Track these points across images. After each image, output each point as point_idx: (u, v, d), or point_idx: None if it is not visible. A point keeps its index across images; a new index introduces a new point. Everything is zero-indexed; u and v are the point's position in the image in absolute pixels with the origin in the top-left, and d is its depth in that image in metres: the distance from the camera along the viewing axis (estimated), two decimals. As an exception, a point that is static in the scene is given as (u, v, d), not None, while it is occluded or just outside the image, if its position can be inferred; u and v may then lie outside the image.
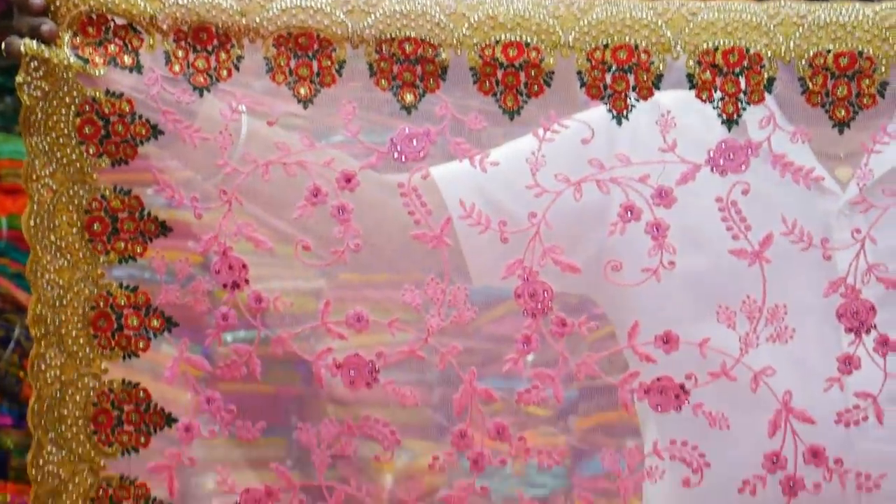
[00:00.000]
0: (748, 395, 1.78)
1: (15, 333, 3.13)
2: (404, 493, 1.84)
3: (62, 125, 1.76)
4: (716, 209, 1.79)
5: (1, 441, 3.14)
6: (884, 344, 1.79)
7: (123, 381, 1.79)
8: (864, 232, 1.80)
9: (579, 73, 1.77)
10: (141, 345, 1.79)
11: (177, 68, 1.77)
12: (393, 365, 1.80)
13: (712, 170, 1.79)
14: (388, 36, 1.76)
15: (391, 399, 1.80)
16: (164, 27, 1.76)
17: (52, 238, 1.77)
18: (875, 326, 1.79)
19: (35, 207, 1.77)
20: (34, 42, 1.74)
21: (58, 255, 1.77)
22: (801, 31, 1.76)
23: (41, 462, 1.77)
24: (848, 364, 1.79)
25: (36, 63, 1.75)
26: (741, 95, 1.77)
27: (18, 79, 1.75)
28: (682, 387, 1.79)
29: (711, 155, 1.79)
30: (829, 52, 1.76)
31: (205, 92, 1.78)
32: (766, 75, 1.76)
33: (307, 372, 1.81)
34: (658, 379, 1.80)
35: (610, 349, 1.82)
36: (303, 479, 1.82)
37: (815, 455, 1.79)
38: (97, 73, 1.76)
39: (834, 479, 1.79)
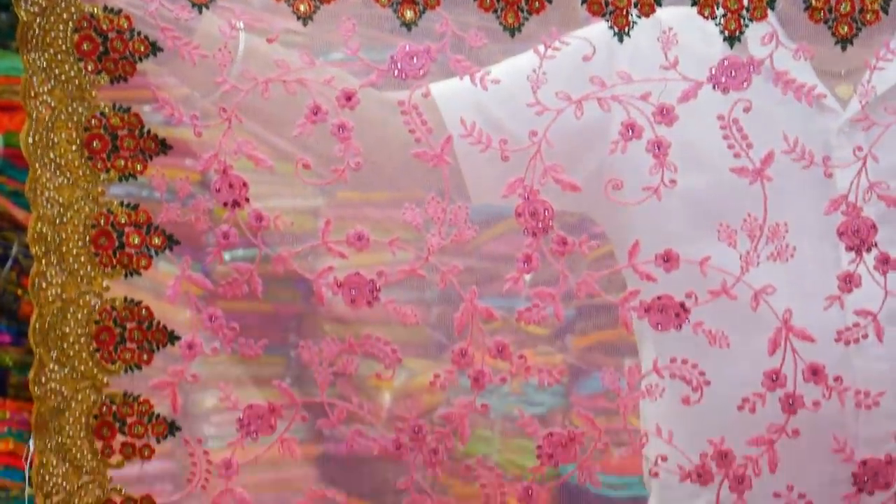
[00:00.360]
0: (748, 314, 1.78)
1: (13, 251, 3.13)
2: (404, 410, 1.84)
3: (60, 41, 1.75)
4: (717, 127, 1.78)
5: (0, 358, 3.14)
6: (884, 262, 1.79)
7: (125, 298, 1.78)
8: (866, 150, 1.79)
9: (580, -11, 1.76)
10: (142, 263, 1.78)
11: (175, -16, 1.76)
12: (393, 284, 1.80)
13: (714, 87, 1.78)
14: (388, -49, 1.75)
15: (392, 318, 1.80)
16: (163, -59, 1.74)
17: (52, 155, 1.76)
18: (876, 244, 1.79)
19: (34, 125, 1.76)
20: (31, -43, 1.73)
21: (57, 172, 1.76)
22: (804, -54, 1.75)
23: (43, 380, 1.77)
24: (848, 282, 1.79)
25: (33, -22, 1.74)
26: (744, 12, 1.76)
27: (15, -6, 1.74)
28: (682, 305, 1.80)
29: (713, 72, 1.78)
30: (832, -33, 1.75)
31: (203, 8, 1.76)
32: (768, -9, 1.76)
33: (308, 290, 1.80)
34: (658, 297, 1.80)
35: (610, 268, 1.82)
36: (302, 396, 1.82)
37: (815, 373, 1.79)
38: (95, -11, 1.74)
39: (833, 396, 1.79)
